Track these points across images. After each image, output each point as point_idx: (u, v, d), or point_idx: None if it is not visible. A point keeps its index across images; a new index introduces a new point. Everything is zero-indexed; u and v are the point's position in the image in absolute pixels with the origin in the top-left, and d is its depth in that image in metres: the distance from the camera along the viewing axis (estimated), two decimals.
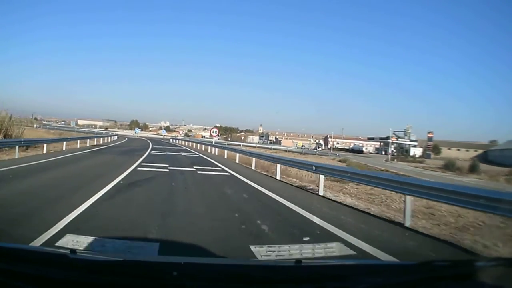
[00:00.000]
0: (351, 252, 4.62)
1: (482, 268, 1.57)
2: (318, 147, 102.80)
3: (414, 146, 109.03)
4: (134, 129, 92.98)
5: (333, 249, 4.66)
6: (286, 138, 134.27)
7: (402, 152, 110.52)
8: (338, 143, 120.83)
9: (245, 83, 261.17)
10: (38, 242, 3.78)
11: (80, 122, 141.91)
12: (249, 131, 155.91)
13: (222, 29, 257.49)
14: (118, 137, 55.13)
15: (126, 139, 56.88)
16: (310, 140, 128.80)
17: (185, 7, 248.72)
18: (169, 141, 65.18)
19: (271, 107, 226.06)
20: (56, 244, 3.79)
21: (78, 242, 4.06)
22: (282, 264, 2.11)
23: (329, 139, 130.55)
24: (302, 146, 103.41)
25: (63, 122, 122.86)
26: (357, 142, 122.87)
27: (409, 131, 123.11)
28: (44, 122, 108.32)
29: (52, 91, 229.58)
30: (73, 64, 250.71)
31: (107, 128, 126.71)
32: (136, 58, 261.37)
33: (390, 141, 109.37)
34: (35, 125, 63.49)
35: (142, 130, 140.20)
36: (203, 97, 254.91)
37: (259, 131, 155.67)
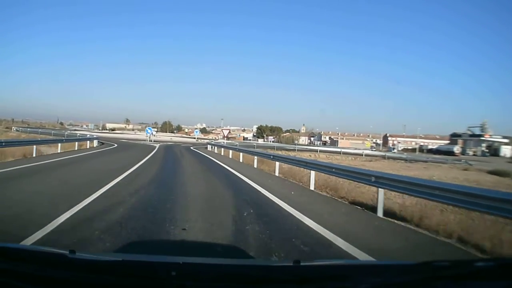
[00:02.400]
0: None
1: (482, 268, 1.54)
2: (393, 148, 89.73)
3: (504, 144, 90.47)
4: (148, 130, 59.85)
5: None
6: (343, 139, 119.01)
7: (492, 152, 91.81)
8: (399, 142, 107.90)
9: (283, 83, 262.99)
10: None
11: (109, 125, 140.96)
12: (294, 131, 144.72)
13: (259, 31, 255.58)
14: (102, 144, 36.07)
15: (115, 145, 35.85)
16: (368, 140, 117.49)
17: (225, 9, 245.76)
18: (206, 149, 40.00)
19: (310, 107, 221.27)
20: None
21: None
22: (281, 264, 2.10)
23: (389, 138, 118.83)
24: (371, 147, 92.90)
25: (85, 126, 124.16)
26: (418, 141, 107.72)
27: (486, 126, 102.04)
28: (66, 126, 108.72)
29: (85, 97, 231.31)
30: (106, 67, 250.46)
31: (113, 130, 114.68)
32: (172, 59, 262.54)
33: (484, 138, 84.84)
34: (13, 128, 55.90)
35: (173, 132, 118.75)
36: (239, 99, 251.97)
37: (302, 131, 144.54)
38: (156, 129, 70.28)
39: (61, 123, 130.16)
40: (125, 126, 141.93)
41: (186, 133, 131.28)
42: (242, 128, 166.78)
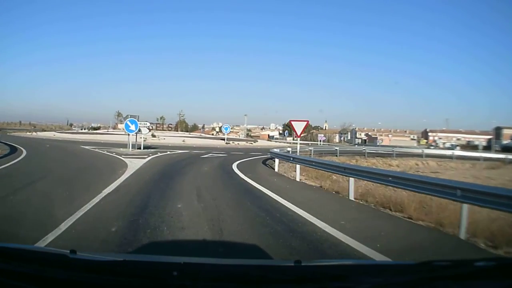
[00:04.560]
0: None
1: (482, 268, 1.47)
2: (456, 146, 74.03)
3: None
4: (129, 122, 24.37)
5: None
6: (381, 135, 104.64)
7: None
8: (440, 138, 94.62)
9: (298, 81, 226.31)
10: None
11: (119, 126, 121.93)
12: (320, 128, 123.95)
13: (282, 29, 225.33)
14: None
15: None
16: (407, 136, 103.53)
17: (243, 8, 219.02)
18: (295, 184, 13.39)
19: (328, 103, 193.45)
20: None
21: None
22: (282, 264, 1.99)
23: (429, 134, 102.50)
24: (429, 145, 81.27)
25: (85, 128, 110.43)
26: (459, 136, 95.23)
27: None
28: (72, 128, 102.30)
29: (96, 98, 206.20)
30: (114, 68, 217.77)
31: (96, 129, 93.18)
32: (184, 59, 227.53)
33: None
34: None
35: (187, 131, 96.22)
36: (255, 97, 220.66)
37: (325, 128, 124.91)
38: (149, 124, 24.45)
39: (71, 125, 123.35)
40: (116, 125, 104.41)
41: (214, 134, 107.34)
42: (261, 127, 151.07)
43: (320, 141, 70.36)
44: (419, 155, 37.06)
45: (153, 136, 46.74)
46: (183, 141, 44.73)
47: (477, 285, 1.40)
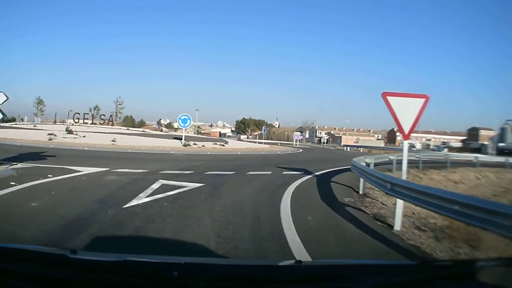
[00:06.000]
0: None
1: (482, 268, 1.48)
2: (443, 147, 66.51)
3: None
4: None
5: None
6: (345, 134, 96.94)
7: None
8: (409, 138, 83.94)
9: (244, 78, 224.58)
10: None
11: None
12: (272, 126, 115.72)
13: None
14: None
15: None
16: (374, 136, 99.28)
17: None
18: None
19: (279, 101, 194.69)
20: None
21: None
22: (283, 264, 1.96)
23: (397, 134, 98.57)
24: (410, 146, 70.30)
25: None
26: (429, 136, 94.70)
27: None
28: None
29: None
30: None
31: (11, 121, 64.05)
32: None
33: None
34: None
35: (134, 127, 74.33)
36: (200, 94, 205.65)
37: (276, 126, 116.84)
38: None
39: (22, 119, 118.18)
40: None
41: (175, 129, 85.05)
42: (209, 124, 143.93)
43: (297, 140, 60.70)
44: (471, 164, 24.88)
45: (69, 131, 31.02)
46: (113, 141, 27.41)
47: (477, 285, 1.39)
